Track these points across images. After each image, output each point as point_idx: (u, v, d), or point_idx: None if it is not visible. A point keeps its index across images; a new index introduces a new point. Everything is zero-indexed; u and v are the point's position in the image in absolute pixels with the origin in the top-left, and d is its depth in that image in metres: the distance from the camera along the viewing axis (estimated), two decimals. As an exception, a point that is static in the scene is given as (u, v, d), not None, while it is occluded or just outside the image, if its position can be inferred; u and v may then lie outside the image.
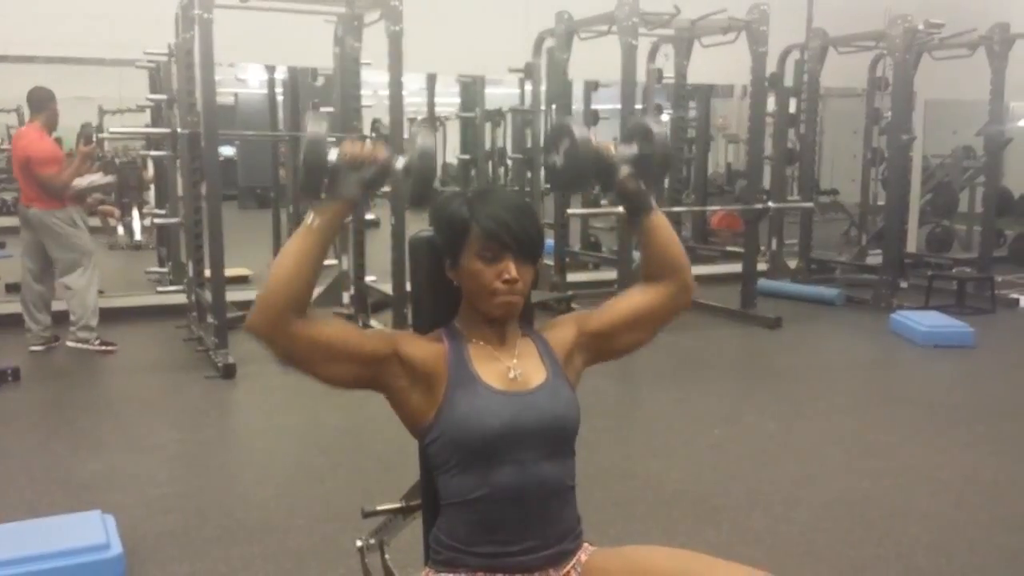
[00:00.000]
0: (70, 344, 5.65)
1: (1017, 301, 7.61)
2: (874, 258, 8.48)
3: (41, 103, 5.63)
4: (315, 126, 1.53)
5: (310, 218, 1.54)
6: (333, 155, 1.52)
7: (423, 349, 1.65)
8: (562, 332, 1.75)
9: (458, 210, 1.64)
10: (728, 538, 3.10)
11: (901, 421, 4.57)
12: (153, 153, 7.13)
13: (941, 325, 6.24)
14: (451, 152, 12.63)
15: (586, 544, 1.72)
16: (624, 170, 1.70)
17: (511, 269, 1.62)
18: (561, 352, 1.72)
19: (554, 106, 7.53)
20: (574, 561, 1.66)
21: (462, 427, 1.58)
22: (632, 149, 1.71)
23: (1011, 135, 8.74)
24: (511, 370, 1.65)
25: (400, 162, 1.56)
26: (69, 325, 5.69)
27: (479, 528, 1.60)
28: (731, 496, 3.47)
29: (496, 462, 1.58)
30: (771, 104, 8.44)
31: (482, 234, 1.61)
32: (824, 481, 3.70)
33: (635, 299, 1.78)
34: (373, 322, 6.25)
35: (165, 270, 7.60)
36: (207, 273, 5.62)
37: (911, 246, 9.04)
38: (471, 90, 9.58)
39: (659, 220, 1.75)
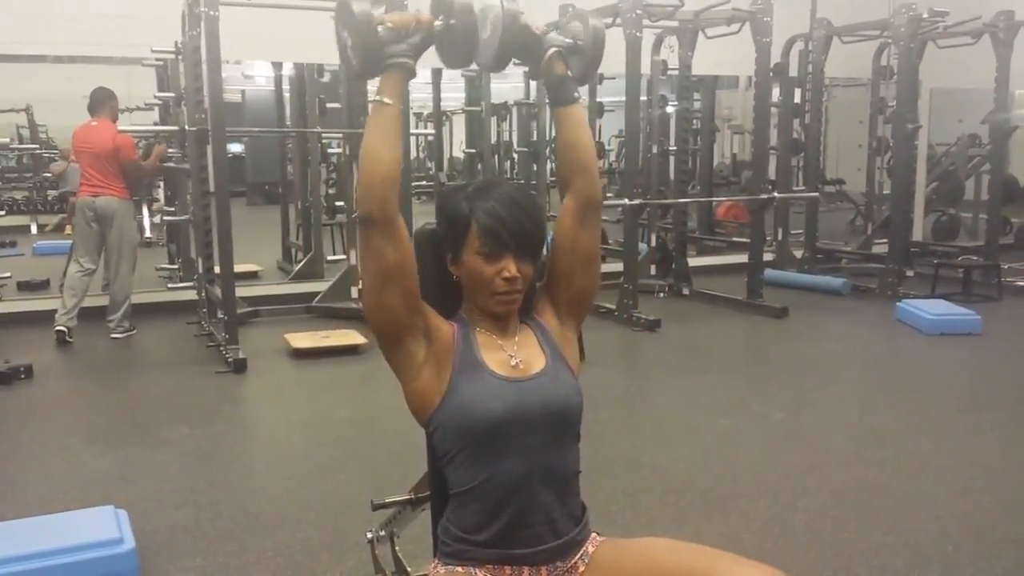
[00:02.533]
0: (117, 336, 6.04)
1: (1023, 288, 7.61)
2: (880, 247, 8.49)
3: (103, 100, 6.09)
4: (360, 4, 1.54)
5: (378, 95, 1.59)
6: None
7: (441, 326, 1.69)
8: (546, 312, 1.79)
9: (459, 205, 1.67)
10: (736, 527, 3.12)
11: (907, 409, 4.59)
12: (171, 151, 7.15)
13: (947, 313, 6.24)
14: (457, 146, 12.65)
15: (594, 534, 1.74)
16: (552, 52, 1.70)
17: (511, 267, 1.65)
18: (556, 333, 1.77)
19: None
20: (581, 552, 1.69)
21: (467, 412, 1.61)
22: (565, 39, 1.72)
23: (1017, 123, 8.72)
24: (512, 357, 1.68)
25: (440, 21, 1.61)
26: (107, 319, 6.09)
27: (486, 516, 1.62)
28: (738, 485, 3.50)
29: (501, 448, 1.61)
30: (776, 95, 8.43)
31: (481, 231, 1.63)
32: (831, 469, 3.72)
33: (560, 228, 1.79)
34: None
35: (175, 267, 7.64)
36: (217, 269, 5.67)
37: (917, 235, 9.03)
38: (476, 84, 9.58)
39: (576, 113, 1.75)
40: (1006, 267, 7.76)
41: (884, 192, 9.56)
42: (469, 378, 1.65)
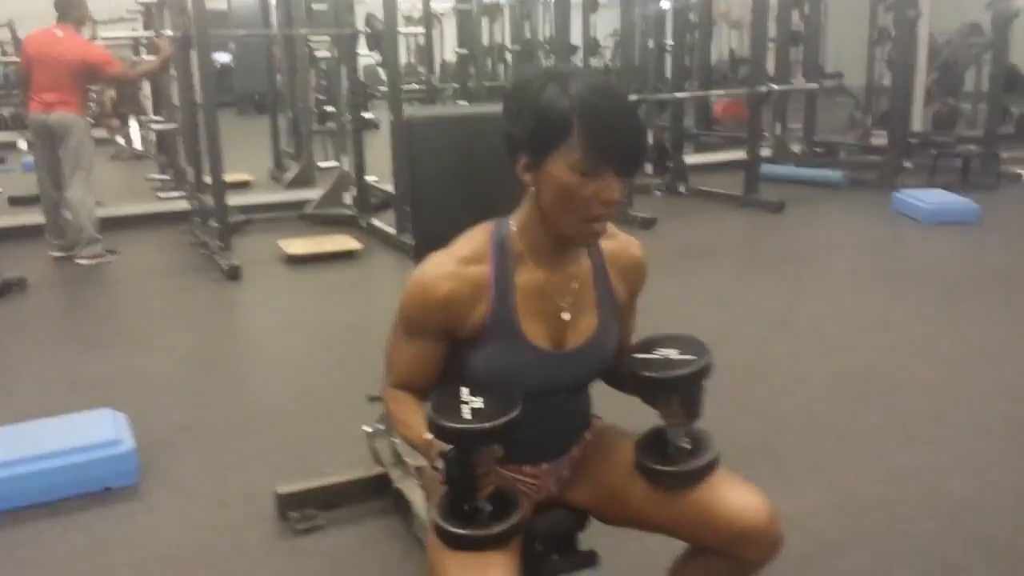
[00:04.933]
0: (84, 263, 5.54)
1: (1021, 177, 7.54)
2: (879, 139, 8.38)
3: (70, 6, 5.49)
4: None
5: (431, 458, 1.40)
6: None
7: (461, 301, 1.45)
8: (633, 274, 1.61)
9: (558, 101, 1.36)
10: (729, 412, 3.13)
11: (904, 297, 4.59)
12: (146, 57, 7.02)
13: (945, 202, 6.20)
14: (449, 49, 12.39)
15: (594, 418, 1.72)
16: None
17: (614, 190, 1.39)
18: (618, 281, 1.59)
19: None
20: (581, 441, 1.67)
21: (495, 378, 1.47)
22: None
23: (1018, 10, 8.49)
24: (563, 312, 1.50)
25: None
26: (74, 245, 5.61)
27: None
28: (732, 373, 3.49)
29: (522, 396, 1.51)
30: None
31: (589, 144, 1.35)
32: (825, 356, 3.74)
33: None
34: (377, 222, 6.24)
35: (166, 177, 7.58)
36: (207, 178, 5.60)
37: (916, 126, 8.90)
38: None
39: None
40: (1005, 156, 7.67)
41: (884, 84, 9.40)
42: (504, 348, 1.47)
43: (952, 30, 10.28)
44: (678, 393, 1.51)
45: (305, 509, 2.51)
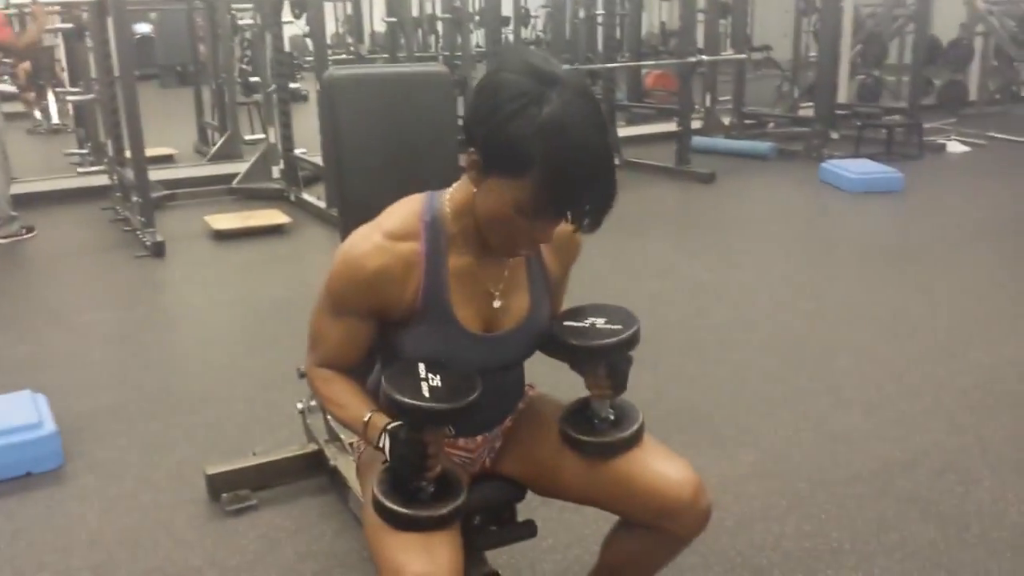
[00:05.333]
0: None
1: (944, 146, 7.74)
2: (806, 111, 8.50)
3: None
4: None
5: (373, 437, 1.38)
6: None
7: (391, 278, 1.39)
8: (566, 249, 1.56)
9: (527, 139, 1.24)
10: (664, 380, 3.16)
11: (831, 264, 4.67)
12: (60, 26, 6.73)
13: (870, 172, 6.32)
14: (377, 19, 12.17)
15: (527, 386, 1.70)
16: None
17: (550, 234, 1.35)
18: (551, 259, 1.55)
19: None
20: (513, 412, 1.65)
21: (425, 358, 1.43)
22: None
23: (941, -20, 8.69)
24: (495, 299, 1.46)
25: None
26: None
27: None
28: (668, 343, 3.52)
29: None
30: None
31: (541, 196, 1.26)
32: (757, 324, 3.78)
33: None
34: (306, 195, 6.12)
35: (85, 151, 7.31)
36: (127, 152, 5.41)
37: (842, 97, 9.05)
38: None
39: None
40: (928, 126, 7.85)
41: (810, 56, 9.53)
42: (435, 332, 1.43)
43: (876, 2, 10.47)
44: (604, 362, 1.49)
45: (237, 489, 2.45)
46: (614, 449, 1.49)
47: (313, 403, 2.56)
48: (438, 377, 1.35)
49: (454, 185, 1.45)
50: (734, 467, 2.59)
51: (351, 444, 2.27)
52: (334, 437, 2.52)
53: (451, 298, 1.42)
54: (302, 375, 2.32)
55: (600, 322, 1.50)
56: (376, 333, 1.47)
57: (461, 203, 1.41)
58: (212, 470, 2.48)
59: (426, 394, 1.31)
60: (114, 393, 3.22)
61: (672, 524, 1.46)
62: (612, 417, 1.52)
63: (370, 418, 1.39)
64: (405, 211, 1.43)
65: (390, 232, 1.40)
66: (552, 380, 1.72)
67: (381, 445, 1.35)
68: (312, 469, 2.53)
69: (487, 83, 1.32)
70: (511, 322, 1.49)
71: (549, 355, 1.58)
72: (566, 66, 6.33)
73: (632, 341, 1.47)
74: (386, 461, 1.37)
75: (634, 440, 1.50)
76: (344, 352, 1.48)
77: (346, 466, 2.38)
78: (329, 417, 2.40)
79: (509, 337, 1.49)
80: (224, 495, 2.44)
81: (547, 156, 1.24)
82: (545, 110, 1.24)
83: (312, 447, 2.55)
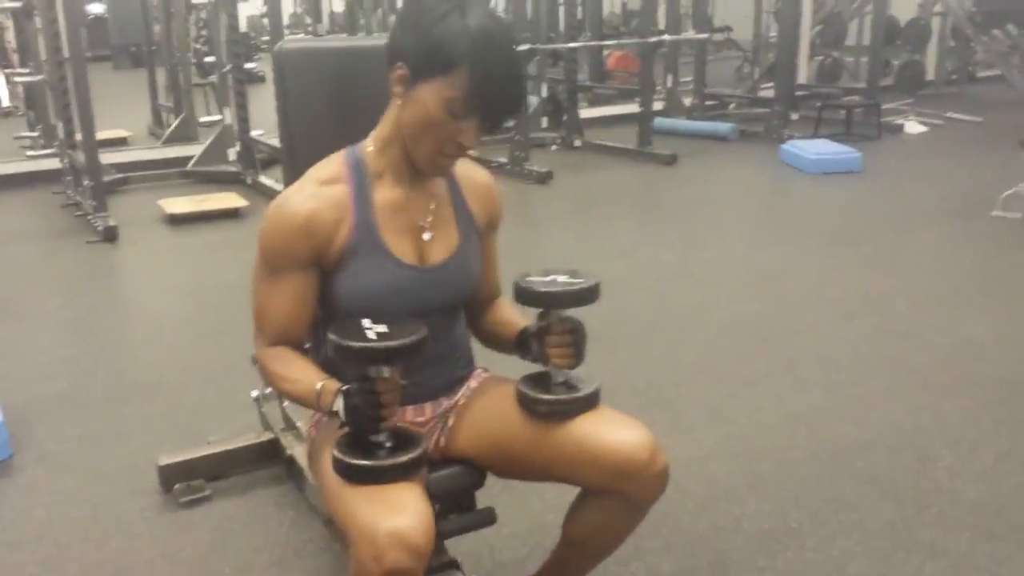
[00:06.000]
0: None
1: (902, 127, 7.80)
2: (767, 92, 8.53)
3: None
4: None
5: (327, 403, 1.37)
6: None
7: (323, 220, 1.42)
8: (487, 199, 1.61)
9: (454, 38, 1.34)
10: (627, 361, 3.15)
11: (791, 245, 4.69)
12: (7, 5, 6.53)
13: (829, 152, 6.35)
14: None
15: (480, 370, 1.69)
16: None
17: (472, 136, 1.41)
18: (475, 205, 1.59)
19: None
20: (464, 388, 1.64)
21: (364, 300, 1.45)
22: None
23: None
24: (424, 231, 1.50)
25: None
26: None
27: None
28: (631, 324, 3.51)
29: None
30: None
31: (469, 91, 1.35)
32: (719, 305, 3.78)
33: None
34: (263, 178, 6.02)
35: (35, 134, 7.12)
36: (78, 135, 5.27)
37: (802, 78, 9.10)
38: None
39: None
40: (886, 107, 7.91)
41: (771, 37, 9.56)
42: (369, 264, 1.45)
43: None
44: (566, 320, 1.51)
45: (190, 480, 2.39)
46: (570, 408, 1.48)
47: (268, 390, 2.50)
48: (383, 325, 1.36)
49: (377, 126, 1.51)
50: (696, 448, 2.58)
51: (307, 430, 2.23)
52: (290, 425, 2.47)
53: (382, 231, 1.46)
54: (255, 362, 2.28)
55: (562, 278, 1.53)
56: (318, 289, 1.47)
57: (384, 137, 1.48)
58: (164, 460, 2.42)
59: (373, 337, 1.32)
60: (64, 382, 3.14)
61: (630, 486, 1.44)
62: (569, 383, 1.52)
63: (322, 386, 1.39)
64: (330, 160, 1.50)
65: (315, 179, 1.46)
66: (507, 372, 1.69)
67: (336, 409, 1.35)
68: (267, 458, 2.48)
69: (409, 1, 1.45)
70: (443, 254, 1.52)
71: (495, 346, 1.64)
72: (527, 46, 6.33)
73: (594, 290, 1.50)
74: (342, 424, 1.36)
75: (590, 402, 1.50)
76: (291, 316, 1.47)
77: (302, 455, 2.32)
78: (284, 400, 2.35)
79: (441, 270, 1.51)
80: (177, 486, 2.38)
81: (474, 54, 1.34)
82: (468, 15, 1.36)
83: (268, 436, 2.50)
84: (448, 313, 1.58)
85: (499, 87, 1.37)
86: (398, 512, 1.27)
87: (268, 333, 1.50)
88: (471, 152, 1.49)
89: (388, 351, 1.31)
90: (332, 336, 1.33)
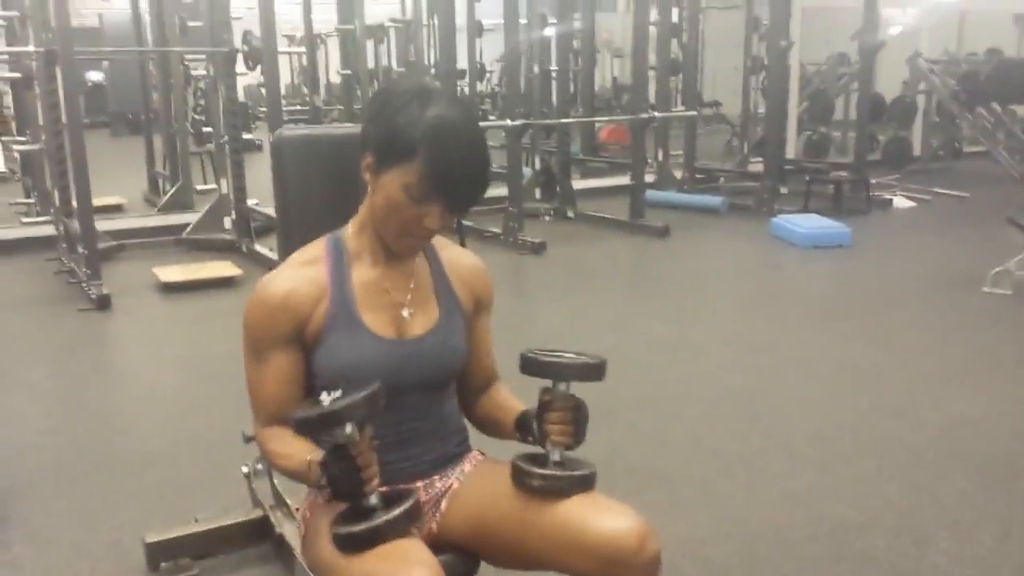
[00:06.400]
0: None
1: (890, 201, 7.91)
2: (755, 166, 8.65)
3: None
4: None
5: (316, 476, 1.39)
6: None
7: (301, 296, 1.47)
8: (474, 282, 1.64)
9: (411, 126, 1.40)
10: (620, 438, 3.13)
11: (783, 319, 4.71)
12: (6, 75, 6.62)
13: (819, 227, 6.42)
14: (333, 70, 12.21)
15: (475, 452, 1.68)
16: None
17: (436, 219, 1.45)
18: (460, 287, 1.61)
19: (436, 18, 7.29)
20: (458, 470, 1.62)
21: (340, 374, 1.47)
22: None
23: (883, 41, 8.94)
24: (404, 308, 1.53)
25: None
26: None
27: None
28: (622, 399, 3.49)
29: None
30: (654, 15, 8.39)
31: (425, 176, 1.40)
32: (710, 379, 3.78)
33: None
34: (258, 247, 6.04)
35: (31, 200, 7.15)
36: (74, 203, 5.30)
37: (790, 152, 9.25)
38: (349, 3, 9.19)
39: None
40: (874, 182, 8.03)
41: (759, 112, 9.73)
42: (344, 338, 1.48)
43: (821, 60, 10.78)
44: (569, 400, 1.51)
45: (178, 558, 2.35)
46: (563, 485, 1.47)
47: (260, 466, 2.47)
48: (338, 391, 1.38)
49: (356, 214, 1.56)
50: (692, 529, 2.55)
51: (297, 509, 2.20)
52: (280, 503, 2.43)
53: (359, 308, 1.50)
54: (248, 439, 2.26)
55: (569, 354, 1.54)
56: (304, 366, 1.51)
57: (362, 219, 1.53)
58: (152, 538, 2.37)
59: (326, 403, 1.36)
60: (51, 454, 3.10)
61: (620, 574, 1.41)
62: (565, 464, 1.52)
63: (311, 460, 1.40)
64: (311, 245, 1.56)
65: (295, 262, 1.53)
66: (504, 454, 1.68)
67: (323, 482, 1.37)
68: (257, 536, 2.43)
69: (378, 92, 1.52)
70: (422, 329, 1.54)
71: (493, 431, 1.65)
72: (520, 120, 6.43)
73: (600, 367, 1.51)
74: (328, 498, 1.40)
75: (585, 483, 1.49)
76: (283, 395, 1.50)
77: (292, 533, 2.29)
78: (275, 475, 2.32)
79: (420, 342, 1.53)
80: (164, 564, 2.34)
81: (430, 142, 1.39)
82: (428, 105, 1.42)
83: (257, 513, 2.46)
84: (433, 389, 1.58)
85: (456, 172, 1.41)
86: (413, 565, 1.32)
87: (263, 414, 1.53)
88: (466, 224, 1.53)
89: (342, 410, 1.33)
90: (291, 416, 1.39)
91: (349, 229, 1.55)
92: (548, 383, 1.52)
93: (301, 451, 1.43)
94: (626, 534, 1.40)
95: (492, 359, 1.71)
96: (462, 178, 1.43)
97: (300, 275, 1.49)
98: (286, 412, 1.47)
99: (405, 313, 1.52)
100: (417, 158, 1.39)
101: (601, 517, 1.43)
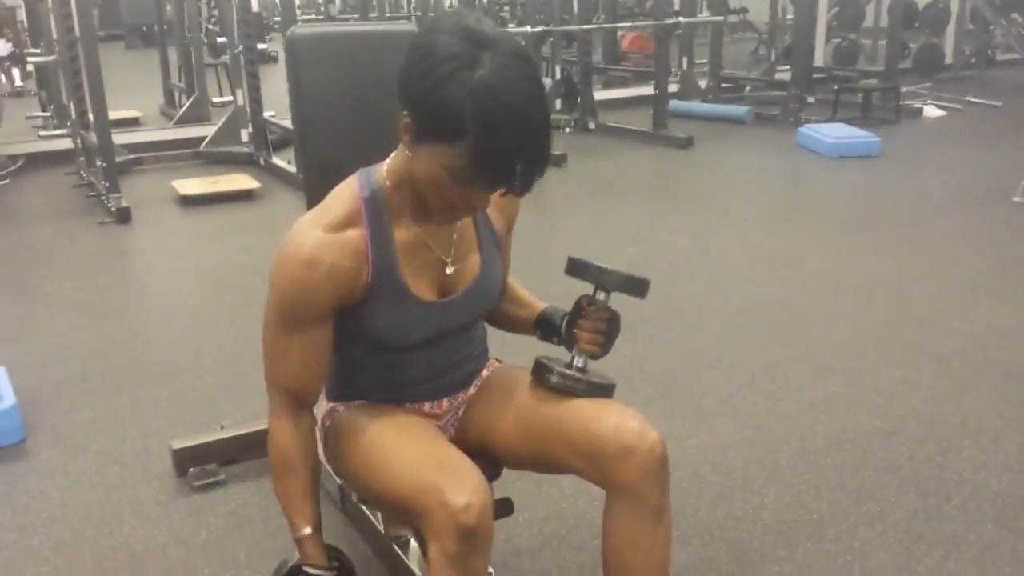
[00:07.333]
0: None
1: (921, 110, 7.71)
2: (783, 74, 8.44)
3: None
4: None
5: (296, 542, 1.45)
6: None
7: (344, 269, 1.33)
8: (508, 202, 1.49)
9: (452, 105, 1.19)
10: (643, 350, 3.12)
11: (809, 230, 4.64)
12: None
13: (847, 136, 6.28)
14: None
15: (492, 360, 1.67)
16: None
17: (485, 200, 1.32)
18: (496, 215, 1.52)
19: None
20: (477, 379, 1.62)
21: (382, 338, 1.42)
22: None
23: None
24: (447, 265, 1.44)
25: None
26: None
27: (382, 380, 1.52)
28: (645, 311, 3.43)
29: (411, 353, 1.49)
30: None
31: (474, 162, 1.21)
32: (735, 291, 3.74)
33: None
34: (276, 160, 5.99)
35: (48, 114, 7.12)
36: (90, 115, 5.25)
37: (819, 60, 9.00)
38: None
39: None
40: (904, 90, 7.82)
41: (787, 19, 9.45)
42: (390, 308, 1.39)
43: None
44: (607, 310, 1.51)
45: (204, 464, 2.38)
46: (579, 387, 1.46)
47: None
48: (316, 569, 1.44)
49: (392, 155, 1.40)
50: (713, 437, 2.55)
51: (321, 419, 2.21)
52: (304, 410, 2.44)
53: (402, 271, 1.39)
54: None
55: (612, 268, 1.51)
56: (332, 337, 1.42)
57: (400, 172, 1.36)
58: (178, 444, 2.40)
59: None
60: (77, 365, 3.13)
61: (625, 467, 1.38)
62: (587, 370, 1.51)
63: (304, 536, 1.44)
64: (342, 196, 1.38)
65: (331, 224, 1.34)
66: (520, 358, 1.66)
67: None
68: (282, 443, 2.45)
69: (419, 44, 1.26)
70: (464, 283, 1.47)
71: (513, 328, 1.65)
72: (540, 27, 6.26)
73: (645, 284, 1.47)
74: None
75: (603, 391, 1.48)
76: (306, 371, 1.41)
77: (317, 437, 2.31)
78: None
79: (463, 299, 1.47)
80: (191, 470, 2.37)
81: (480, 124, 1.19)
82: (478, 74, 1.19)
83: (282, 420, 2.48)
84: (469, 328, 1.56)
85: (510, 157, 1.22)
86: (459, 471, 1.31)
87: (282, 386, 1.42)
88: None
89: None
90: None
91: (387, 179, 1.38)
92: (588, 291, 1.51)
93: (299, 506, 1.44)
94: (629, 427, 1.40)
95: (508, 260, 1.67)
96: (518, 162, 1.23)
97: (340, 243, 1.33)
98: (308, 386, 1.42)
99: (449, 271, 1.44)
100: (464, 140, 1.20)
101: (607, 414, 1.43)
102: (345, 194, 1.38)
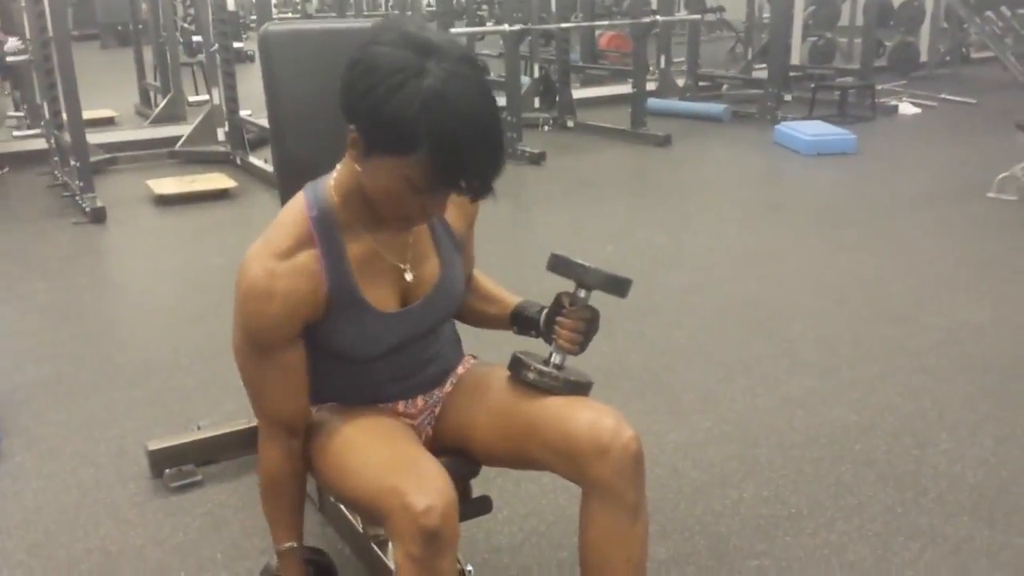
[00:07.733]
0: None
1: (896, 108, 7.77)
2: (760, 72, 8.47)
3: None
4: None
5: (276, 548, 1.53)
6: None
7: (302, 294, 1.33)
8: (463, 200, 1.38)
9: (403, 117, 1.18)
10: (622, 346, 3.12)
11: (786, 227, 4.66)
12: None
13: (824, 133, 6.32)
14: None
15: (468, 357, 1.67)
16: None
17: (442, 205, 1.31)
18: (453, 214, 1.49)
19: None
20: (452, 377, 1.61)
21: (346, 352, 1.42)
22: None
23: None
24: (405, 272, 1.43)
25: None
26: None
27: (355, 384, 1.52)
28: (624, 308, 3.44)
29: (378, 361, 1.49)
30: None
31: (434, 171, 1.21)
32: (713, 288, 3.75)
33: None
34: (252, 159, 5.95)
35: (21, 114, 7.05)
36: (64, 115, 5.19)
37: (795, 59, 9.05)
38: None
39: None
40: (880, 88, 7.88)
41: (763, 17, 9.50)
42: (349, 321, 1.38)
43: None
44: (587, 308, 1.51)
45: (181, 465, 2.36)
46: (555, 385, 1.46)
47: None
48: None
49: (337, 167, 1.39)
50: (692, 433, 2.55)
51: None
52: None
53: (360, 286, 1.38)
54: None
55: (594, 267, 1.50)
56: (306, 351, 1.42)
57: (347, 185, 1.35)
58: (154, 445, 2.38)
59: None
60: (52, 365, 3.09)
61: (601, 464, 1.38)
62: (564, 367, 1.51)
63: (285, 548, 1.51)
64: (290, 219, 1.36)
65: (281, 251, 1.33)
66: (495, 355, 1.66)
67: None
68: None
69: (360, 58, 1.24)
70: (424, 289, 1.46)
71: (482, 323, 1.66)
72: (518, 26, 6.26)
73: (626, 284, 1.48)
74: None
75: (579, 388, 1.48)
76: (288, 393, 1.42)
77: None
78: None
79: (424, 304, 1.47)
80: (167, 471, 2.35)
81: (433, 132, 1.18)
82: (426, 83, 1.18)
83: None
84: (436, 329, 1.55)
85: (469, 158, 1.21)
86: (423, 474, 1.31)
87: (269, 412, 1.44)
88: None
89: None
90: None
91: (333, 194, 1.36)
92: (567, 287, 1.52)
93: (286, 526, 1.50)
94: (604, 425, 1.40)
95: (472, 254, 1.66)
96: (475, 166, 1.23)
97: (293, 269, 1.32)
98: (294, 407, 1.43)
99: (408, 277, 1.43)
100: (418, 151, 1.19)
101: (582, 412, 1.43)
102: (293, 216, 1.36)
